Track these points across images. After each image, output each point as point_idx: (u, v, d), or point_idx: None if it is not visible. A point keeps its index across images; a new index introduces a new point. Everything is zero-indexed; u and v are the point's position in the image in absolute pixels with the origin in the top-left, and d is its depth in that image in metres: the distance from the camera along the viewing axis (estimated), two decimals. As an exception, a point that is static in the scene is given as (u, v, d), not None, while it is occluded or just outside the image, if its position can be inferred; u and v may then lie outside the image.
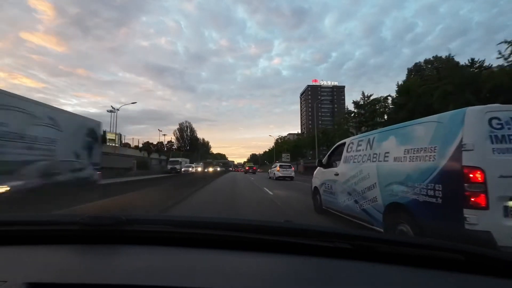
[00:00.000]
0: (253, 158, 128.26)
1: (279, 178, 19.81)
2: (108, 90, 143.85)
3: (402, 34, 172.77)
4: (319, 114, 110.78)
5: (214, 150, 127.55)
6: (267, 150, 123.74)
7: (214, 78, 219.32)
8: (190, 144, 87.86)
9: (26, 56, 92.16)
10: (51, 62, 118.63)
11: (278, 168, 20.66)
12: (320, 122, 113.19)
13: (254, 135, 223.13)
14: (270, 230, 0.92)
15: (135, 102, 43.05)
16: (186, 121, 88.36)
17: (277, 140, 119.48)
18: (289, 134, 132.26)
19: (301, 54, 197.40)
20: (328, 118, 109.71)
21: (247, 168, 47.96)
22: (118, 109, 38.87)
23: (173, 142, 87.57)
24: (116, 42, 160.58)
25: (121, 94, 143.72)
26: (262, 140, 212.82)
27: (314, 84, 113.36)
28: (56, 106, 10.52)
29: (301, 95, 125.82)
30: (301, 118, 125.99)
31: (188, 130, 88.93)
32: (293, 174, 20.49)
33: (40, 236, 0.90)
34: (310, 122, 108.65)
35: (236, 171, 57.90)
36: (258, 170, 57.44)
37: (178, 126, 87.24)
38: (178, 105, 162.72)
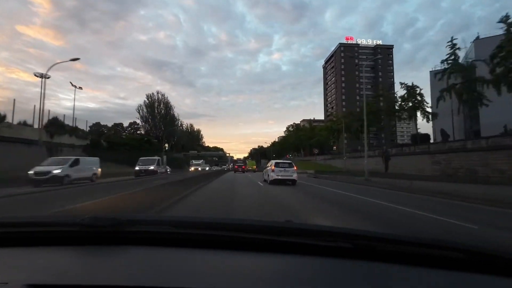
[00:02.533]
0: (258, 152, 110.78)
1: (275, 182, 16.11)
2: (106, 85, 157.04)
3: (403, 29, 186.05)
4: (356, 85, 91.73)
5: (213, 145, 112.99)
6: (277, 139, 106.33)
7: (213, 73, 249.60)
8: (165, 127, 69.82)
9: (23, 49, 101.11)
10: (49, 56, 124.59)
11: (273, 167, 16.60)
12: (357, 97, 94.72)
13: (254, 130, 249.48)
14: (271, 230, 1.02)
15: (78, 58, 29.61)
16: (158, 92, 70.18)
17: (288, 128, 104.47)
18: (303, 120, 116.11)
19: (302, 48, 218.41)
20: (368, 92, 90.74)
21: (236, 166, 48.27)
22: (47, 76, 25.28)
23: (138, 124, 69.85)
24: (114, 36, 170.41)
25: (119, 88, 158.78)
26: (262, 135, 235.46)
27: (349, 42, 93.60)
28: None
29: (326, 62, 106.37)
30: (325, 94, 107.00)
31: (162, 105, 70.70)
32: (295, 175, 16.46)
33: (41, 238, 1.00)
34: (343, 96, 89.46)
35: (235, 170, 48.50)
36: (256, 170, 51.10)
37: (145, 99, 68.89)
38: (177, 100, 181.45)
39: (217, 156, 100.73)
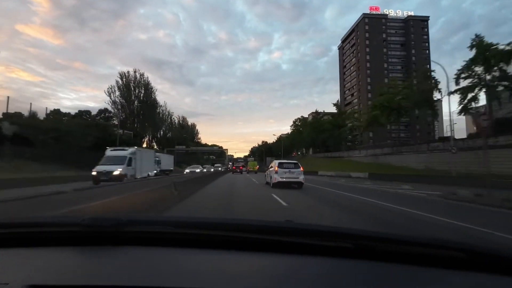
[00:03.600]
0: (262, 149, 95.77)
1: (278, 185, 14.30)
2: (106, 84, 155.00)
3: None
4: (384, 66, 75.98)
5: (212, 144, 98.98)
6: (280, 136, 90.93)
7: (213, 72, 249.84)
8: (143, 115, 54.55)
9: (23, 49, 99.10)
10: (48, 55, 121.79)
11: (276, 168, 14.71)
12: (386, 80, 79.06)
13: (254, 129, 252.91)
14: (272, 230, 1.03)
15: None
16: (135, 70, 54.86)
17: (294, 122, 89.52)
18: (312, 113, 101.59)
19: (301, 47, 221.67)
20: (397, 74, 75.26)
21: (233, 167, 47.30)
22: None
23: (110, 111, 54.57)
24: (114, 35, 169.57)
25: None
26: (262, 134, 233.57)
27: (374, 13, 77.82)
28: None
29: (343, 41, 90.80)
30: (341, 80, 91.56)
31: (141, 88, 55.35)
32: (302, 177, 14.68)
33: (41, 238, 1.02)
34: (368, 79, 73.81)
35: (233, 171, 45.31)
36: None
37: (118, 79, 53.56)
38: (177, 99, 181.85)
39: (212, 152, 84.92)
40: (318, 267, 0.86)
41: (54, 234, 1.02)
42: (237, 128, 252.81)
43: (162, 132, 66.72)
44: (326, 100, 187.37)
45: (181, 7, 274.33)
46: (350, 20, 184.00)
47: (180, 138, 71.91)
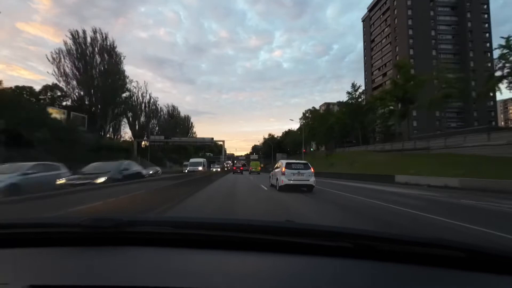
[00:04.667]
0: (270, 144, 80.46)
1: (285, 188, 12.67)
2: None
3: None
4: (432, 34, 59.59)
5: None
6: (295, 127, 75.32)
7: (214, 70, 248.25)
8: (105, 92, 39.24)
9: (24, 47, 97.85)
10: (49, 54, 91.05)
11: (283, 168, 13.09)
12: (433, 52, 62.72)
13: (255, 128, 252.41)
14: (272, 230, 1.04)
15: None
16: (95, 30, 39.51)
17: (304, 114, 74.82)
18: (325, 103, 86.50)
19: (302, 46, 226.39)
20: (448, 46, 58.87)
21: (234, 168, 47.04)
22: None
23: (61, 87, 39.26)
24: (114, 33, 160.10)
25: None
26: (263, 133, 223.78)
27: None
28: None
29: (371, 10, 74.39)
30: (367, 57, 75.37)
31: (104, 55, 39.98)
32: (312, 179, 12.95)
33: (42, 239, 1.02)
34: (411, 50, 57.56)
35: (234, 171, 43.37)
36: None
37: (69, 38, 38.24)
38: (178, 97, 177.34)
39: (204, 146, 67.74)
40: (319, 267, 0.86)
41: (54, 234, 1.03)
42: (238, 126, 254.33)
43: (140, 120, 51.48)
44: (328, 99, 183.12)
45: (182, 5, 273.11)
46: (352, 18, 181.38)
47: (169, 130, 56.80)
